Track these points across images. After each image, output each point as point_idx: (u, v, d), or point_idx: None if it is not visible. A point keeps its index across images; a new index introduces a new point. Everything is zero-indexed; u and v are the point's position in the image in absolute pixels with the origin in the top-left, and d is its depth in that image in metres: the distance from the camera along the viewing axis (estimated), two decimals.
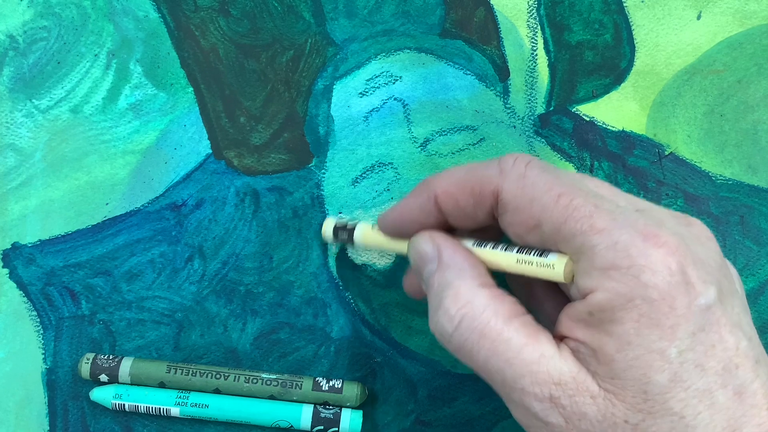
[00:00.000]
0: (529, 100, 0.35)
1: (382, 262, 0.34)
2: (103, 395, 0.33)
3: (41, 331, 0.34)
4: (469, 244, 0.27)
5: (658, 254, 0.22)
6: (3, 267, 0.34)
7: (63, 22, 0.35)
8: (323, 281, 0.34)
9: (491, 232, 0.28)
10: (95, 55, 0.35)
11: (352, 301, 0.34)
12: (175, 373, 0.33)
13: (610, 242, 0.22)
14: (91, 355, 0.33)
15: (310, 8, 0.35)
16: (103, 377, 0.33)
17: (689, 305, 0.22)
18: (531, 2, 0.35)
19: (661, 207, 0.25)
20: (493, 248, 0.26)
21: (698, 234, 0.24)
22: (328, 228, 0.33)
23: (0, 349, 0.34)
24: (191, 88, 0.35)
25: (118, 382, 0.33)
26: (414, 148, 0.35)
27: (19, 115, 0.35)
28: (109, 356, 0.33)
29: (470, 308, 0.25)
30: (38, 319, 0.34)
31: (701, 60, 0.35)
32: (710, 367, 0.22)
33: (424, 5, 0.35)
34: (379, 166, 0.35)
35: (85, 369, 0.33)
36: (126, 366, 0.33)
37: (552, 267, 0.24)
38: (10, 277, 0.34)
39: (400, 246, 0.29)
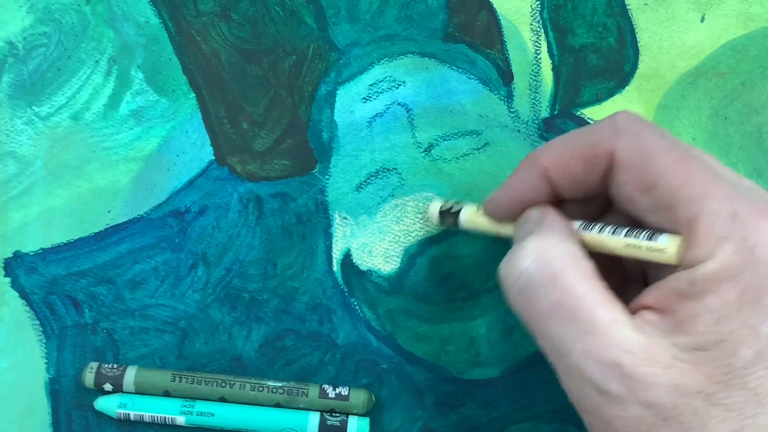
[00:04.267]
0: (534, 103, 0.35)
1: (387, 268, 0.34)
2: (107, 404, 0.33)
3: (44, 341, 0.34)
4: (576, 225, 0.27)
5: None
6: (5, 276, 0.34)
7: (63, 28, 0.35)
8: (328, 287, 0.34)
9: (597, 202, 0.28)
10: (96, 62, 0.35)
11: (357, 307, 0.34)
12: (180, 381, 0.33)
13: (730, 211, 0.22)
14: (95, 364, 0.33)
15: (312, 13, 0.35)
16: (108, 386, 0.33)
17: None
18: (534, 6, 0.35)
19: (762, 187, 0.25)
20: (600, 232, 0.26)
21: None
22: (433, 211, 0.32)
23: (2, 359, 0.34)
24: (193, 94, 0.35)
25: (123, 392, 0.33)
26: (418, 153, 0.35)
27: (20, 123, 0.35)
28: (113, 365, 0.33)
29: (549, 252, 0.24)
30: (41, 328, 0.34)
31: (705, 63, 0.35)
32: None
33: (426, 9, 0.35)
34: (383, 172, 0.35)
35: (89, 378, 0.33)
36: (131, 375, 0.33)
37: (663, 251, 0.24)
38: (12, 286, 0.34)
39: (506, 228, 0.29)
